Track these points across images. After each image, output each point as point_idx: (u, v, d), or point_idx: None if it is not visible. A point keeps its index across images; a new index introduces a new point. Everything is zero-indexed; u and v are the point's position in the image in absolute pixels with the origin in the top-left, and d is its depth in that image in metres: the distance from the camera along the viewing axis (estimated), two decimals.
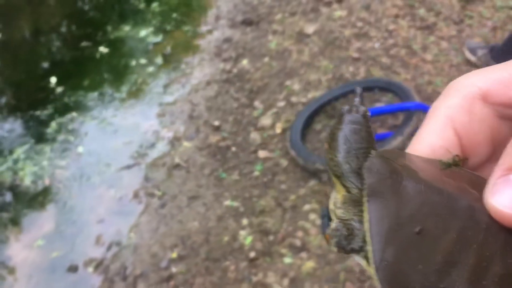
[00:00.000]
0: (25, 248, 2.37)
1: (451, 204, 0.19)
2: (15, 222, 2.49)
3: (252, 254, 2.09)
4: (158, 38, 3.45)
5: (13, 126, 3.06)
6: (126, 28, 3.56)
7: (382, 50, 2.93)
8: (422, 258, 0.19)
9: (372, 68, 2.88)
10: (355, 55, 2.95)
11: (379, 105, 2.49)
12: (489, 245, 0.18)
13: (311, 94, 2.74)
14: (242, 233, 2.18)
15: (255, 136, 2.58)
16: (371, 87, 2.54)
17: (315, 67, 2.92)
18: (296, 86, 2.81)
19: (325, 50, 3.03)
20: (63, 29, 3.74)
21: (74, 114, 3.01)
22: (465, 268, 0.18)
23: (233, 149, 2.54)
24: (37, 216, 2.51)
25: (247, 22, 3.41)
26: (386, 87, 2.49)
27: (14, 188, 2.64)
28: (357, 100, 0.26)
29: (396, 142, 2.15)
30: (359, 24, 3.17)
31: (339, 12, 3.25)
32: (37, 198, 2.58)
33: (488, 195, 0.19)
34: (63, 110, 3.03)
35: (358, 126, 0.24)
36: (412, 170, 0.21)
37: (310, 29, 3.20)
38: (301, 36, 3.18)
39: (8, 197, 2.62)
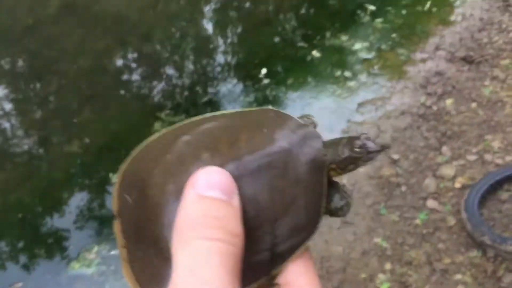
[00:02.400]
0: None
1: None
2: None
3: None
4: (370, 55, 3.45)
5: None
6: (344, 37, 3.64)
7: None
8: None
9: None
10: None
11: None
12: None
13: (511, 158, 2.44)
14: (381, 276, 2.10)
15: (430, 182, 2.42)
16: None
17: None
18: (496, 144, 2.53)
19: None
20: (287, 25, 4.01)
21: (270, 107, 3.23)
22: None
23: (403, 188, 2.43)
24: None
25: (467, 60, 3.17)
26: None
27: None
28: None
29: None
30: None
31: None
32: None
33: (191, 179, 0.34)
34: (262, 101, 3.29)
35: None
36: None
37: None
38: None
39: None
